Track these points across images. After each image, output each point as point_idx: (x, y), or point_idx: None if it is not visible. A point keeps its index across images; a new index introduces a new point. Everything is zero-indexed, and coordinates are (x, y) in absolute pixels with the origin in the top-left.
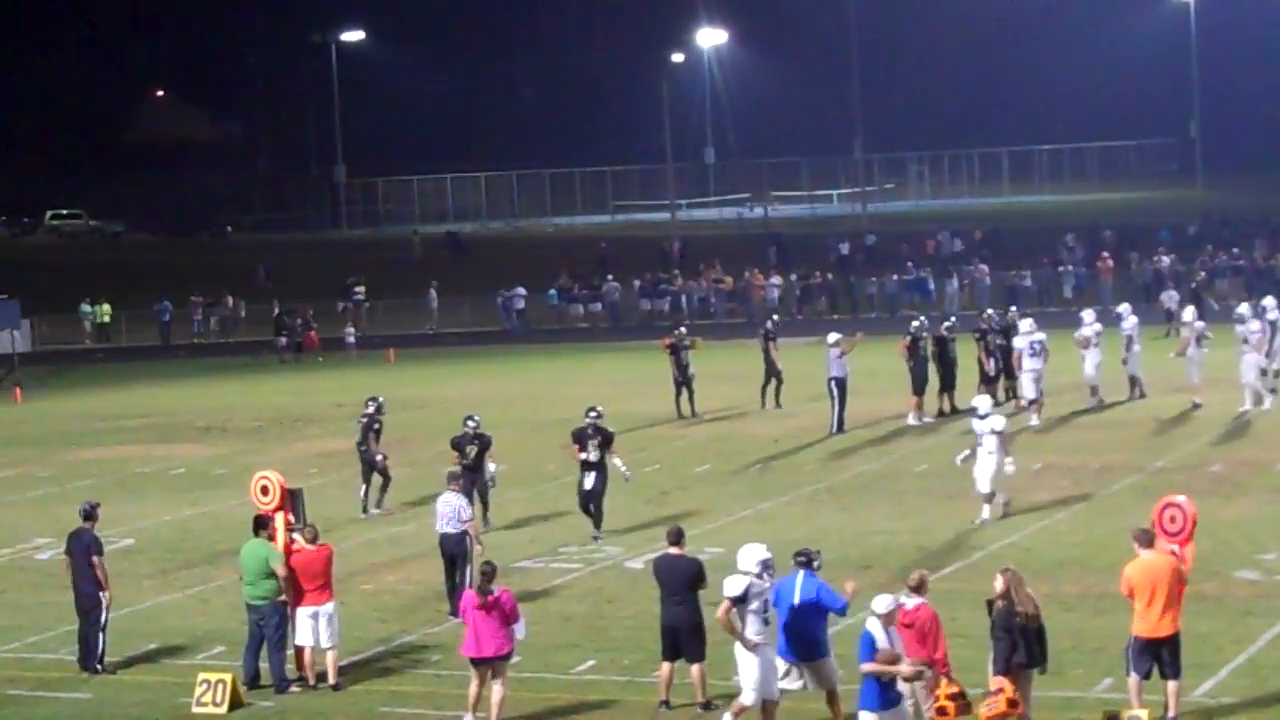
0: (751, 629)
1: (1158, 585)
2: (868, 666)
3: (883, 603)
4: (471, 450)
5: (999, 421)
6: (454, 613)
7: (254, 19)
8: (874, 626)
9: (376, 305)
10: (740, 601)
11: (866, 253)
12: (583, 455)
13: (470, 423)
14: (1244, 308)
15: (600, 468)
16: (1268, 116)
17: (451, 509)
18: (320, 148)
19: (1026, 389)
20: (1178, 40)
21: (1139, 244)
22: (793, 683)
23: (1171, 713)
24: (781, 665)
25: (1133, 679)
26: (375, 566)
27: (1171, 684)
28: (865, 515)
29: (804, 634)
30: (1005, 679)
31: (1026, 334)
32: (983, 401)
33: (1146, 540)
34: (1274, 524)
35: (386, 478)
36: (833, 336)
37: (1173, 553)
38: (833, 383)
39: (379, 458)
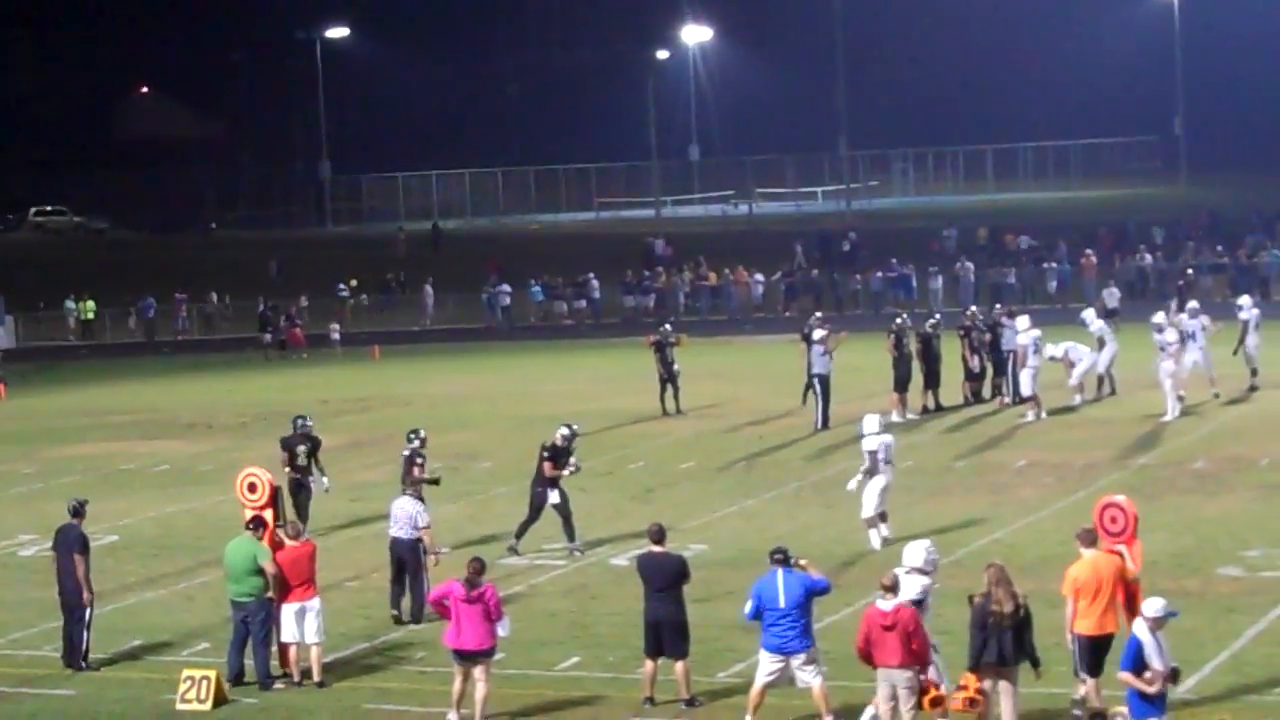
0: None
1: (1103, 584)
2: (1125, 677)
3: (1153, 606)
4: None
5: (879, 440)
6: (399, 619)
7: (239, 16)
8: (1142, 632)
9: (360, 302)
10: (919, 604)
11: (868, 248)
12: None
13: (414, 439)
14: (1159, 317)
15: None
16: (1251, 114)
17: (406, 514)
18: (305, 145)
19: (1026, 386)
20: (1162, 37)
21: (1120, 242)
22: (777, 676)
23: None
24: (769, 660)
25: (1090, 681)
26: (361, 563)
27: (1093, 681)
28: (849, 512)
29: (792, 629)
30: (973, 676)
31: (1026, 330)
32: (870, 421)
33: (1089, 540)
34: (1258, 520)
35: (304, 504)
36: (818, 333)
37: (1118, 553)
38: (816, 379)
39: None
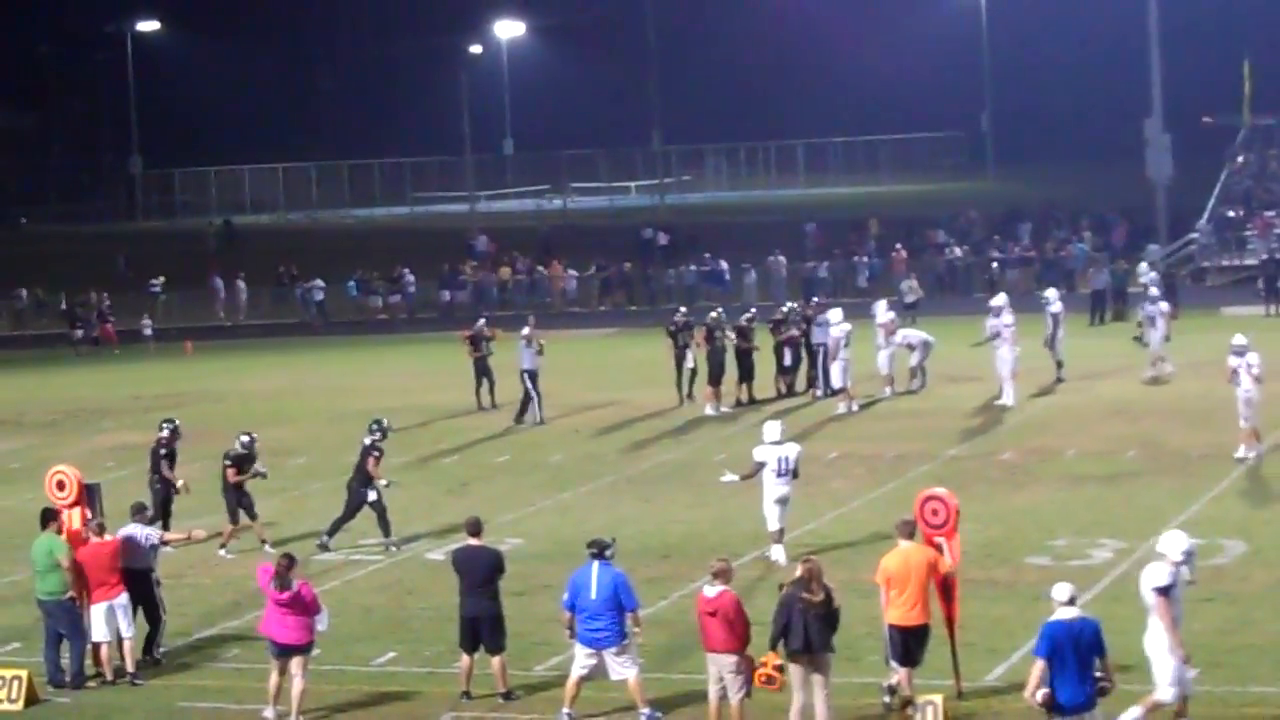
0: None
1: (911, 576)
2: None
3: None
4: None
5: (792, 450)
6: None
7: (46, 8)
8: None
9: (173, 297)
10: (1166, 592)
11: (685, 241)
12: None
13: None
14: (999, 299)
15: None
16: (1055, 109)
17: (139, 541)
18: (115, 138)
19: (837, 378)
20: (968, 35)
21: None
22: (591, 670)
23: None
24: (583, 654)
25: (901, 670)
26: (171, 560)
27: (905, 670)
28: (665, 505)
29: (603, 622)
30: (773, 654)
31: (838, 324)
32: (772, 429)
33: (908, 531)
34: (1064, 510)
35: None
36: (525, 329)
37: (937, 545)
38: (525, 375)
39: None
